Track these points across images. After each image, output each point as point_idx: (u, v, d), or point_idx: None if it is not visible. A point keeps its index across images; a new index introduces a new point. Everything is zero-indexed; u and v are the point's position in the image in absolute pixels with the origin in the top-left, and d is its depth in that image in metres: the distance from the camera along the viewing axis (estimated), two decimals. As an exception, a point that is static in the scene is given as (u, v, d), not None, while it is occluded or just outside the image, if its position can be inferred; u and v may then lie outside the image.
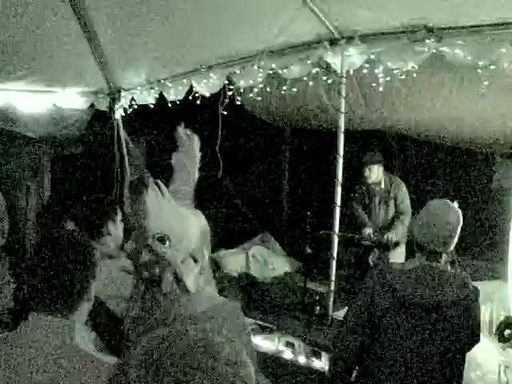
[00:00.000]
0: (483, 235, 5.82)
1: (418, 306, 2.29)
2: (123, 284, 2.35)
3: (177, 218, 1.86)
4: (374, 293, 2.38)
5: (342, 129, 3.54)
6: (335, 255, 3.63)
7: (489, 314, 3.62)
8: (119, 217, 2.65)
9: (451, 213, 2.39)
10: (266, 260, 5.07)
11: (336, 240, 3.62)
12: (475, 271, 4.17)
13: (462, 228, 2.37)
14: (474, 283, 2.43)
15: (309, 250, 4.11)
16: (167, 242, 1.79)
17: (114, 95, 5.28)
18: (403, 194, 5.16)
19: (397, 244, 4.70)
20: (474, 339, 2.40)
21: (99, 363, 1.42)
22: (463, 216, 2.38)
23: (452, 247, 2.41)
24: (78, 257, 1.56)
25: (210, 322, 1.72)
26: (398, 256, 4.60)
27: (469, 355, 2.46)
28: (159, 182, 1.93)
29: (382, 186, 5.21)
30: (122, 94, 5.21)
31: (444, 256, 2.40)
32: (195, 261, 1.88)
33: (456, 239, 2.40)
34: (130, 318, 1.93)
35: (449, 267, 2.41)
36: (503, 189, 5.76)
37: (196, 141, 2.65)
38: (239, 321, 1.83)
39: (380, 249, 4.80)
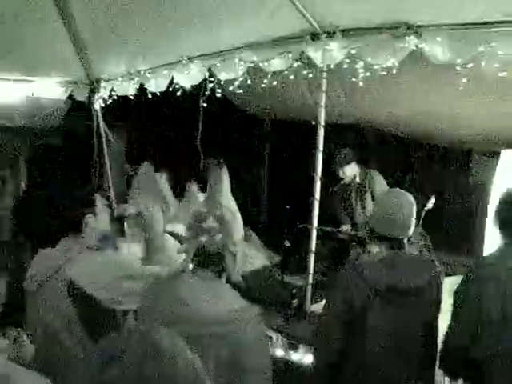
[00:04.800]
0: (460, 230, 5.90)
1: (394, 293, 2.37)
2: (106, 275, 2.35)
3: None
4: (350, 288, 2.43)
5: (322, 123, 3.55)
6: (313, 249, 3.65)
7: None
8: (100, 207, 2.60)
9: (403, 198, 2.53)
10: (243, 253, 5.06)
11: (314, 234, 3.64)
12: (451, 265, 4.22)
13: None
14: (452, 278, 2.51)
15: (287, 244, 4.12)
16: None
17: (93, 86, 5.23)
18: (380, 186, 5.16)
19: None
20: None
21: None
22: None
23: (411, 232, 2.51)
24: None
25: (229, 326, 1.74)
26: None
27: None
28: None
29: (357, 179, 5.25)
30: (102, 84, 5.16)
31: (406, 241, 2.51)
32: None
33: (413, 224, 2.52)
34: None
35: (414, 250, 2.52)
36: (480, 185, 5.83)
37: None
38: (259, 327, 1.83)
39: (358, 243, 4.84)
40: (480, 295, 2.14)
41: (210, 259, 1.88)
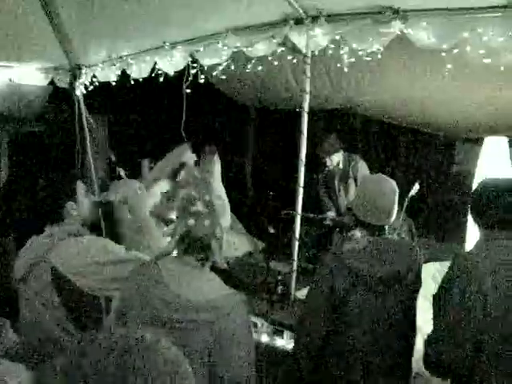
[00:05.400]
0: (444, 217, 5.94)
1: (376, 279, 2.39)
2: (87, 261, 2.34)
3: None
4: (334, 276, 2.43)
5: (306, 109, 3.53)
6: (298, 235, 3.65)
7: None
8: (81, 195, 2.57)
9: (386, 185, 2.52)
10: (228, 240, 5.05)
11: (299, 220, 3.64)
12: (435, 252, 4.26)
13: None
14: (435, 263, 2.51)
15: (272, 230, 4.11)
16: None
17: (74, 72, 5.15)
18: (363, 172, 5.18)
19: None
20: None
21: None
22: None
23: (393, 219, 2.51)
24: None
25: (213, 313, 1.75)
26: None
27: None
28: None
29: (341, 165, 5.27)
30: (83, 70, 5.07)
31: (387, 227, 2.53)
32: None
33: (396, 211, 2.51)
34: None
35: (395, 236, 2.53)
36: (463, 172, 5.87)
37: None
38: (243, 314, 1.84)
39: (341, 229, 4.86)
40: (461, 295, 2.11)
41: (195, 244, 1.87)
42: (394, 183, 2.54)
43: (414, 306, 2.55)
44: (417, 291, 2.56)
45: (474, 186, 2.43)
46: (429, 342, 2.22)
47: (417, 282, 2.53)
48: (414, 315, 2.57)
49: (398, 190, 2.53)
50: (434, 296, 2.24)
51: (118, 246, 2.46)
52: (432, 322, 2.25)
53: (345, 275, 2.41)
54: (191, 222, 1.84)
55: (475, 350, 2.08)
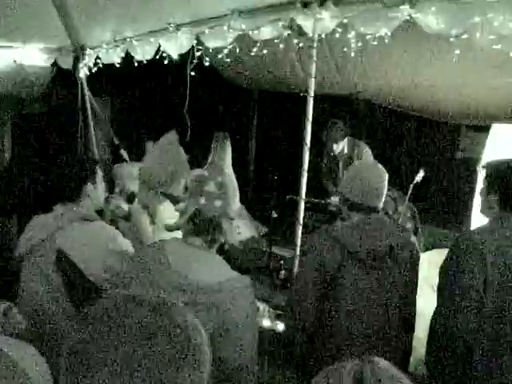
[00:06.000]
0: (448, 204, 5.93)
1: (367, 255, 2.41)
2: (93, 247, 2.34)
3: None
4: (325, 252, 2.45)
5: (312, 93, 3.50)
6: (301, 220, 3.64)
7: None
8: (99, 178, 2.59)
9: (376, 170, 2.59)
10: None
11: (302, 205, 3.63)
12: (440, 239, 4.25)
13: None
14: (439, 250, 2.51)
15: (275, 215, 4.11)
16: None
17: (78, 53, 5.11)
18: (367, 158, 5.18)
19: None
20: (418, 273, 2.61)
21: None
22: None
23: (382, 202, 2.56)
24: None
25: (219, 295, 1.74)
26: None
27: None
28: None
29: (346, 151, 5.28)
30: (87, 52, 5.05)
31: (379, 209, 2.56)
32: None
33: (385, 194, 2.56)
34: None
35: (385, 217, 2.57)
36: (468, 159, 5.85)
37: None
38: (248, 300, 1.83)
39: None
40: (463, 272, 2.14)
41: (204, 225, 1.86)
42: (381, 169, 2.58)
43: (409, 288, 2.56)
44: (412, 272, 2.56)
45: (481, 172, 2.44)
46: (434, 314, 2.28)
47: (411, 263, 2.54)
48: (411, 299, 2.58)
49: (386, 176, 2.56)
50: (439, 270, 2.28)
51: (127, 241, 2.47)
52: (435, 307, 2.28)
53: (335, 250, 2.43)
54: (202, 201, 1.84)
55: (477, 318, 2.12)
